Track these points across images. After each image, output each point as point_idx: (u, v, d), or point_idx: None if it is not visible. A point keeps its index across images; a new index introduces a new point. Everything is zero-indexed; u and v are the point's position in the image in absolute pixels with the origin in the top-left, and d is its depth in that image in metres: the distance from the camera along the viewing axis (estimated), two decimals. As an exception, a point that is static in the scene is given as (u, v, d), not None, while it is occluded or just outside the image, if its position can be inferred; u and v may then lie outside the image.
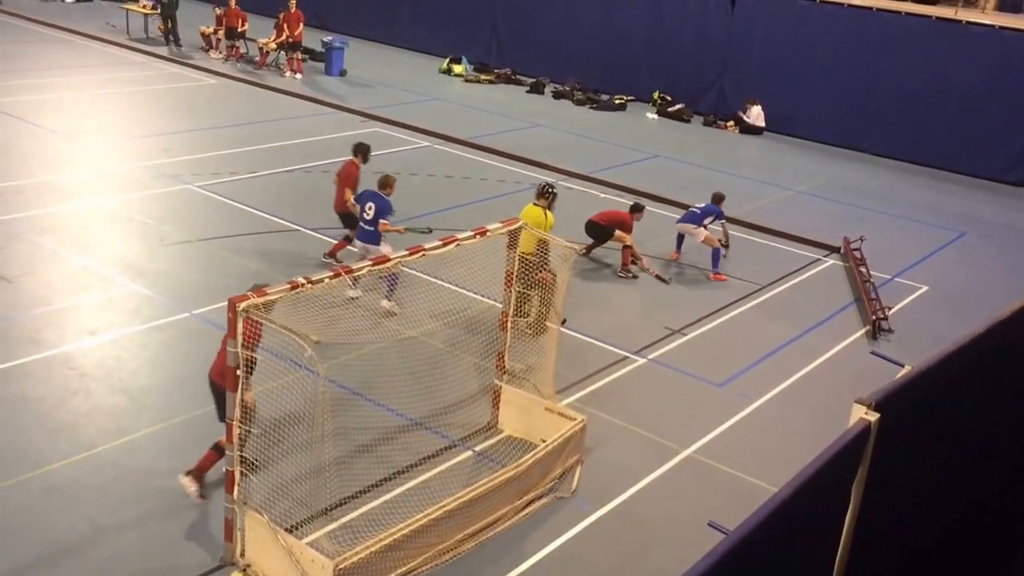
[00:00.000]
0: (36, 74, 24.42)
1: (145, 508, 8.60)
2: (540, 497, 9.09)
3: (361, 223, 12.50)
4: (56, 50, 27.53)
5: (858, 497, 3.62)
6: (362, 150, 13.75)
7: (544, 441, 9.37)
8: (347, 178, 13.44)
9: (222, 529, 7.89)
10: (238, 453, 7.69)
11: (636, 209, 15.14)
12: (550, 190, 12.60)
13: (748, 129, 25.17)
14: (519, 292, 10.57)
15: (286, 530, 7.71)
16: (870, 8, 24.00)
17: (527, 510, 8.91)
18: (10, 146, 18.41)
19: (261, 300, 7.49)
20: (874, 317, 13.45)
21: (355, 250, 12.93)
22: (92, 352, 11.19)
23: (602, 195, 18.32)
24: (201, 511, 8.52)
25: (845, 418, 3.75)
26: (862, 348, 12.81)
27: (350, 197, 13.12)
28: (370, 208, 12.38)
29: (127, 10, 30.47)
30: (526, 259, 10.68)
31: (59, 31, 29.99)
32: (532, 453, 9.08)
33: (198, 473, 8.71)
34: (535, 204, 12.43)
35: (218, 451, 8.46)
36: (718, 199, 15.44)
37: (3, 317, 11.74)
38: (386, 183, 12.65)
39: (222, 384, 7.80)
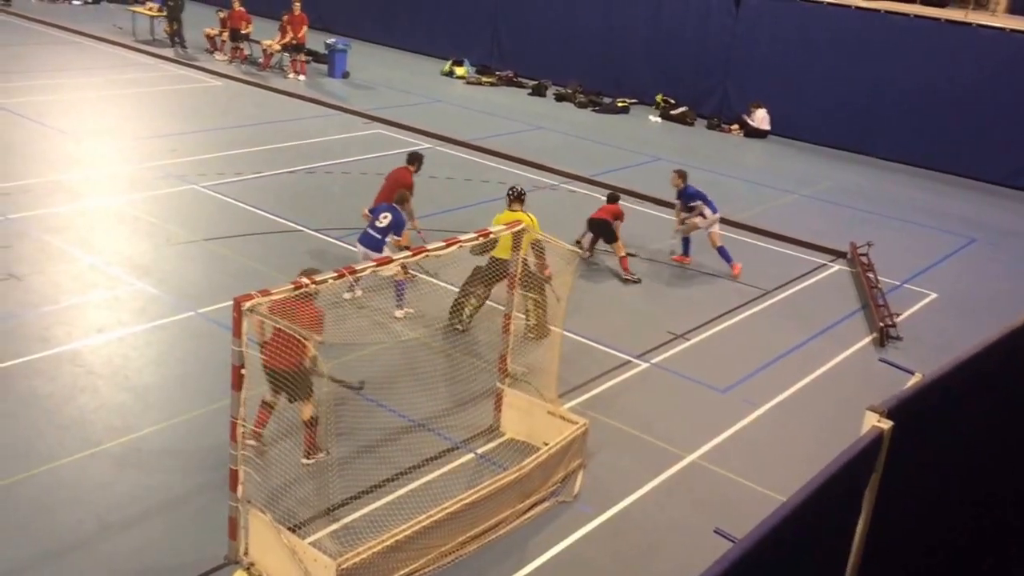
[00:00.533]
0: (45, 75, 24.47)
1: (150, 505, 8.62)
2: (542, 500, 9.09)
3: (369, 229, 12.49)
4: (64, 52, 27.60)
5: (870, 504, 3.63)
6: (418, 159, 14.18)
7: (546, 444, 9.37)
8: (397, 183, 13.64)
9: (226, 527, 7.88)
10: (241, 452, 7.69)
11: (616, 199, 15.46)
12: (523, 192, 12.71)
13: (752, 132, 25.18)
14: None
15: (289, 529, 7.72)
16: (877, 11, 23.95)
17: (529, 513, 8.91)
18: (19, 146, 18.45)
19: (265, 300, 7.51)
20: (882, 324, 13.43)
21: (357, 253, 12.85)
22: (99, 350, 11.22)
23: (603, 197, 18.28)
24: (205, 509, 8.52)
25: (852, 425, 3.75)
26: (869, 355, 12.81)
27: (365, 208, 13.19)
28: (385, 217, 12.42)
29: (134, 12, 30.51)
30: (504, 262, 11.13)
31: (67, 33, 30.06)
32: (534, 456, 9.08)
33: (310, 449, 9.22)
34: (512, 209, 12.40)
35: (310, 426, 9.15)
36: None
37: (12, 315, 11.76)
38: (403, 199, 12.91)
39: (281, 366, 8.63)
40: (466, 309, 12.33)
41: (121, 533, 8.24)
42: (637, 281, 14.57)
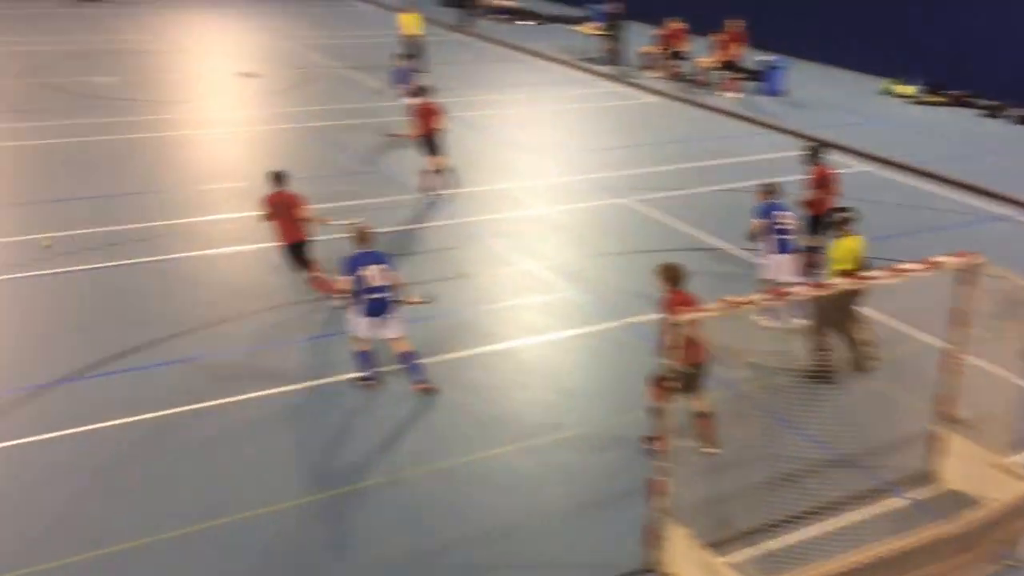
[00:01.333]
0: (495, 90, 26.64)
1: (572, 503, 8.93)
2: (985, 560, 8.23)
3: (784, 236, 12.11)
4: (511, 69, 29.93)
5: None
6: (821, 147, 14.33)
7: (992, 499, 8.47)
8: (834, 180, 13.69)
9: (644, 534, 7.95)
10: (662, 463, 7.72)
11: None
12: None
13: None
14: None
15: (706, 546, 7.62)
16: None
17: (970, 572, 8.10)
18: (475, 155, 20.07)
19: (695, 316, 7.48)
20: None
21: (766, 266, 12.28)
22: (532, 350, 11.89)
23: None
24: (623, 514, 8.63)
25: None
26: None
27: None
28: (791, 218, 12.14)
29: (576, 31, 32.24)
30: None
31: (513, 51, 32.51)
32: (978, 508, 8.25)
33: (708, 441, 9.48)
34: (851, 233, 11.28)
35: (708, 416, 9.43)
36: None
37: (461, 310, 12.79)
38: (772, 189, 12.45)
39: (701, 360, 8.92)
40: (869, 347, 11.52)
41: (543, 525, 8.61)
42: None
